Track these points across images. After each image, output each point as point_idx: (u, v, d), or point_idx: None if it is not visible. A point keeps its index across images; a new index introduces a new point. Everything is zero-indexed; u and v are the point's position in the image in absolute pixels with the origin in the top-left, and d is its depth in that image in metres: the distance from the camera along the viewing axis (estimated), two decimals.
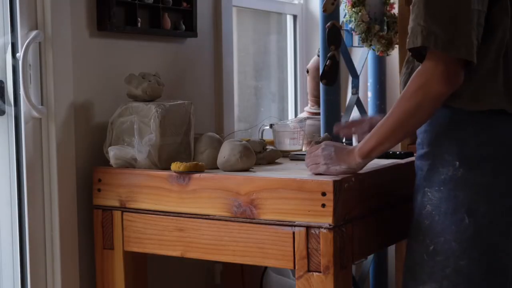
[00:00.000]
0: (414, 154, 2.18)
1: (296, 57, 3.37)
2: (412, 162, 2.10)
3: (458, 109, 1.65)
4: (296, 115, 3.33)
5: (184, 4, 2.35)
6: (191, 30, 2.38)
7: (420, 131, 1.73)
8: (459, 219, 1.64)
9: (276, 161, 2.13)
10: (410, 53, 1.69)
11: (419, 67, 1.63)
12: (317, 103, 2.87)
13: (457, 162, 1.65)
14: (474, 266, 1.64)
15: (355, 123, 2.02)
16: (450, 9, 1.58)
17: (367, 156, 1.72)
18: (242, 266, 2.44)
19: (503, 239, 1.66)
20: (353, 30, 2.88)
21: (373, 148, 1.70)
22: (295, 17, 3.37)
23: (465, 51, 1.57)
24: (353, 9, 2.84)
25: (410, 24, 1.62)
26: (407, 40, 1.63)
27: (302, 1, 3.39)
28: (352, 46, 3.02)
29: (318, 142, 2.01)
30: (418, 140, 1.73)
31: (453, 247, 1.65)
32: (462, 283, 1.65)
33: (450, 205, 1.65)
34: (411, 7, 1.64)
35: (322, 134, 2.50)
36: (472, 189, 1.64)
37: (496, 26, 1.64)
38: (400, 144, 2.63)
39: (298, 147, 2.29)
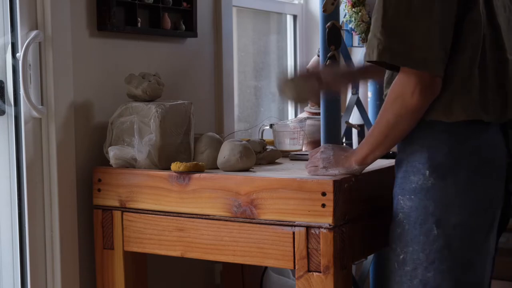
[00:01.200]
0: None
1: (296, 57, 3.37)
2: None
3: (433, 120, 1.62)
4: (296, 115, 3.33)
5: (184, 4, 2.35)
6: (191, 30, 2.38)
7: None
8: (428, 229, 1.61)
9: (276, 161, 2.13)
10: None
11: (396, 78, 1.61)
12: (317, 103, 2.87)
13: (427, 171, 1.61)
14: (442, 279, 1.60)
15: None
16: (409, 21, 1.55)
17: (363, 163, 1.73)
18: (242, 266, 2.44)
19: (474, 254, 1.61)
20: (353, 30, 2.88)
21: (366, 155, 1.71)
22: (295, 17, 3.37)
23: (423, 64, 1.55)
24: (353, 9, 2.84)
25: (369, 35, 1.61)
26: (365, 51, 1.62)
27: (302, 1, 3.39)
28: (352, 46, 3.02)
29: None
30: (397, 146, 1.71)
31: (421, 258, 1.61)
32: None
33: (419, 214, 1.62)
34: (372, 16, 1.63)
35: (322, 134, 2.50)
36: (442, 199, 1.60)
37: (468, 34, 1.60)
38: None
39: (298, 147, 2.29)
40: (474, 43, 1.60)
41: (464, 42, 1.60)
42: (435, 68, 1.56)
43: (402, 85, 1.59)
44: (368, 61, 1.62)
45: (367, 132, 1.79)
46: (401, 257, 1.65)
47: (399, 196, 1.67)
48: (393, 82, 1.63)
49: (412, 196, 1.63)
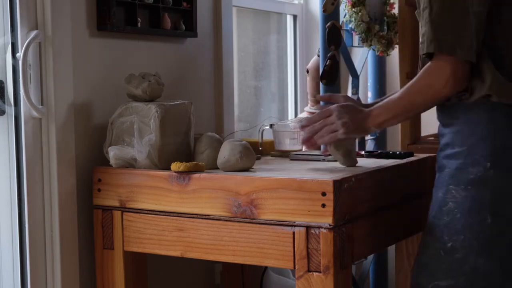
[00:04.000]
0: (415, 154, 2.19)
1: (296, 57, 3.37)
2: (412, 162, 2.11)
3: (494, 106, 1.66)
4: (296, 115, 3.33)
5: (184, 4, 2.35)
6: (191, 30, 2.38)
7: (450, 131, 1.73)
8: (483, 218, 1.65)
9: (276, 161, 2.13)
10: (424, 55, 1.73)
11: (428, 65, 1.69)
12: (317, 103, 2.87)
13: (489, 164, 1.66)
14: (492, 265, 1.65)
15: (334, 98, 2.01)
16: (451, 14, 1.64)
17: (380, 127, 1.82)
18: (242, 266, 2.44)
19: None
20: (353, 30, 2.88)
21: (385, 121, 1.78)
22: (295, 17, 3.37)
23: (467, 52, 1.63)
24: (353, 9, 2.84)
25: (421, 30, 1.70)
26: (420, 45, 1.71)
27: (302, 1, 3.39)
28: (352, 46, 3.02)
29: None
30: (446, 140, 1.74)
31: (473, 245, 1.66)
32: (480, 281, 1.66)
33: (474, 204, 1.66)
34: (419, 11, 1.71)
35: None
36: (498, 190, 1.65)
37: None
38: (400, 144, 2.64)
39: (298, 147, 2.29)
40: None
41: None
42: (473, 56, 1.64)
43: (435, 74, 1.68)
44: (422, 54, 1.71)
45: (389, 97, 1.83)
46: (450, 244, 1.68)
47: (451, 186, 1.70)
48: (424, 69, 1.70)
49: (469, 187, 1.68)
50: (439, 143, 1.78)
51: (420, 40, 1.69)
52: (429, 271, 1.72)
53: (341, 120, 1.80)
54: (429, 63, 1.69)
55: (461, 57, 1.63)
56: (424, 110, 1.78)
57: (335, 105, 1.84)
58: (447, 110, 1.74)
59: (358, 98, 2.92)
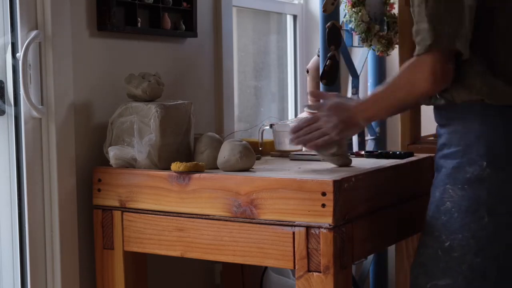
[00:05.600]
0: (415, 154, 2.19)
1: (296, 57, 3.37)
2: (412, 162, 2.11)
3: (488, 107, 1.66)
4: (296, 115, 3.33)
5: (184, 4, 2.35)
6: (191, 30, 2.38)
7: (446, 131, 1.74)
8: (480, 217, 1.66)
9: (276, 161, 2.13)
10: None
11: (410, 61, 1.69)
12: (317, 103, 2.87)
13: (485, 162, 1.66)
14: (490, 263, 1.66)
15: (324, 96, 2.04)
16: (448, 7, 1.64)
17: (369, 121, 1.94)
18: (242, 266, 2.44)
19: None
20: (353, 30, 2.88)
21: (373, 115, 1.83)
22: (295, 17, 3.37)
23: (464, 45, 1.63)
24: (353, 9, 2.84)
25: (415, 27, 1.69)
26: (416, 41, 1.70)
27: (302, 1, 3.39)
28: (352, 46, 3.02)
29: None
30: (443, 140, 1.74)
31: (471, 244, 1.66)
32: (477, 279, 1.66)
33: (471, 203, 1.67)
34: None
35: None
36: (495, 189, 1.65)
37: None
38: (400, 144, 2.64)
39: (298, 147, 2.29)
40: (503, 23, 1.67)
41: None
42: (464, 48, 1.63)
43: (416, 69, 1.67)
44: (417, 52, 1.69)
45: (377, 89, 1.84)
46: (447, 244, 1.69)
47: (447, 186, 1.70)
48: (407, 63, 1.70)
49: (466, 186, 1.68)
50: (437, 144, 1.78)
51: (415, 35, 1.67)
52: (427, 271, 1.72)
53: (331, 123, 1.82)
54: (412, 59, 1.68)
55: (458, 50, 1.63)
56: (409, 106, 1.83)
57: (321, 112, 1.86)
58: (443, 111, 1.74)
59: (358, 98, 2.92)
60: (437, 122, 1.78)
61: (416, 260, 1.77)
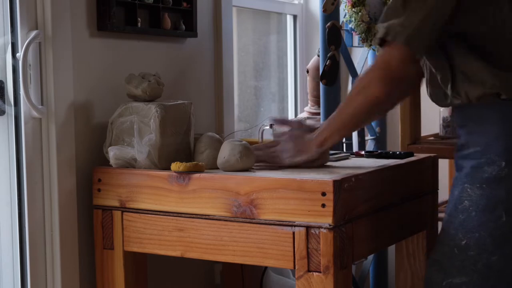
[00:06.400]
0: (415, 154, 2.19)
1: (296, 57, 3.37)
2: (412, 162, 2.11)
3: (504, 105, 1.66)
4: (296, 115, 3.33)
5: (184, 4, 2.35)
6: (191, 30, 2.38)
7: (464, 132, 1.73)
8: (497, 216, 1.65)
9: None
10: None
11: (363, 73, 1.75)
12: (317, 103, 2.87)
13: (504, 162, 1.65)
14: (505, 262, 1.65)
15: (286, 123, 2.08)
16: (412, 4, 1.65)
17: (322, 146, 1.88)
18: (242, 266, 2.44)
19: None
20: (353, 30, 2.88)
21: (326, 138, 1.86)
22: (295, 17, 3.37)
23: (419, 46, 1.64)
24: (353, 9, 2.84)
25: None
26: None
27: (302, 1, 3.39)
28: (352, 46, 3.02)
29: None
30: (462, 141, 1.74)
31: (487, 243, 1.66)
32: (493, 277, 1.66)
33: (489, 202, 1.66)
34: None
35: None
36: None
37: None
38: (400, 144, 2.64)
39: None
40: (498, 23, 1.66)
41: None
42: (418, 48, 1.64)
43: (369, 75, 1.71)
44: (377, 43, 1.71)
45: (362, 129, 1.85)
46: (464, 242, 1.68)
47: (466, 185, 1.70)
48: (361, 75, 1.74)
49: (484, 185, 1.67)
50: (456, 144, 1.78)
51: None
52: (442, 269, 1.72)
53: (284, 148, 1.92)
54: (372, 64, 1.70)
55: (411, 49, 1.63)
56: (366, 117, 1.81)
57: (281, 139, 1.96)
58: (461, 112, 1.73)
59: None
60: (456, 122, 1.79)
61: (432, 258, 1.77)
